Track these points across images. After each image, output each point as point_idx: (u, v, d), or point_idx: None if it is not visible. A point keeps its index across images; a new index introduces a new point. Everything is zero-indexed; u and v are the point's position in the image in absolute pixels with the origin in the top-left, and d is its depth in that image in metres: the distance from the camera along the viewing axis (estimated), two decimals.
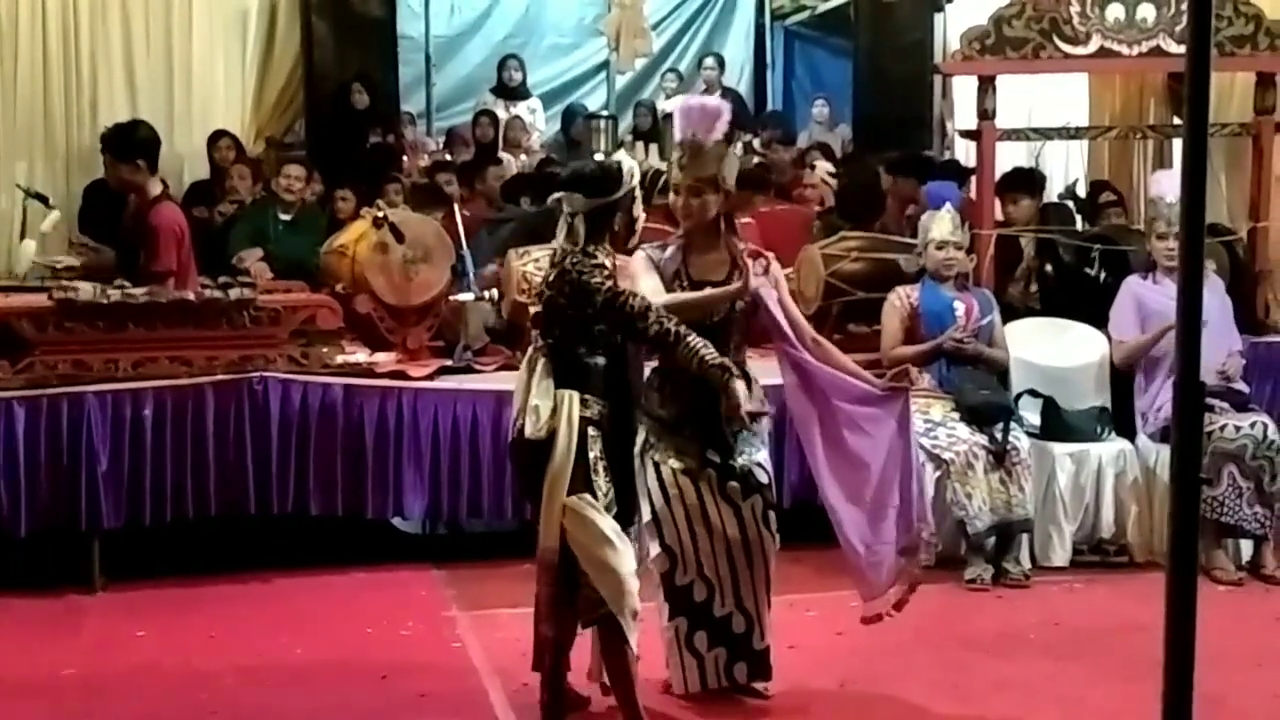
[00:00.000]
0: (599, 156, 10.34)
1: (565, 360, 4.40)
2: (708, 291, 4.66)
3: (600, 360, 4.43)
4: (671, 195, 4.81)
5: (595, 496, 4.35)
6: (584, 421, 4.36)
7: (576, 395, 4.37)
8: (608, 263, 4.44)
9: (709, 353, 4.40)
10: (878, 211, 7.81)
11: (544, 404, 4.36)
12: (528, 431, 4.36)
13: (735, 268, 4.77)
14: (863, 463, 4.83)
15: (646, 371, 4.79)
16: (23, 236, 8.07)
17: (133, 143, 6.47)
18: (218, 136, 9.15)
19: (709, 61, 13.04)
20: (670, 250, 4.79)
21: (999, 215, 7.60)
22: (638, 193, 4.56)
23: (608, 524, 4.34)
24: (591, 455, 4.36)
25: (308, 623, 5.75)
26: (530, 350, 4.54)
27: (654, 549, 4.71)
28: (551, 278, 4.49)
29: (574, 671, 4.68)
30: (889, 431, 4.85)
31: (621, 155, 4.75)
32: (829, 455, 4.84)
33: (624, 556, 4.35)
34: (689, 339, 4.40)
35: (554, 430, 4.33)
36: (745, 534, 4.73)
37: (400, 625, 5.70)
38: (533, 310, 4.93)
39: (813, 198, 9.09)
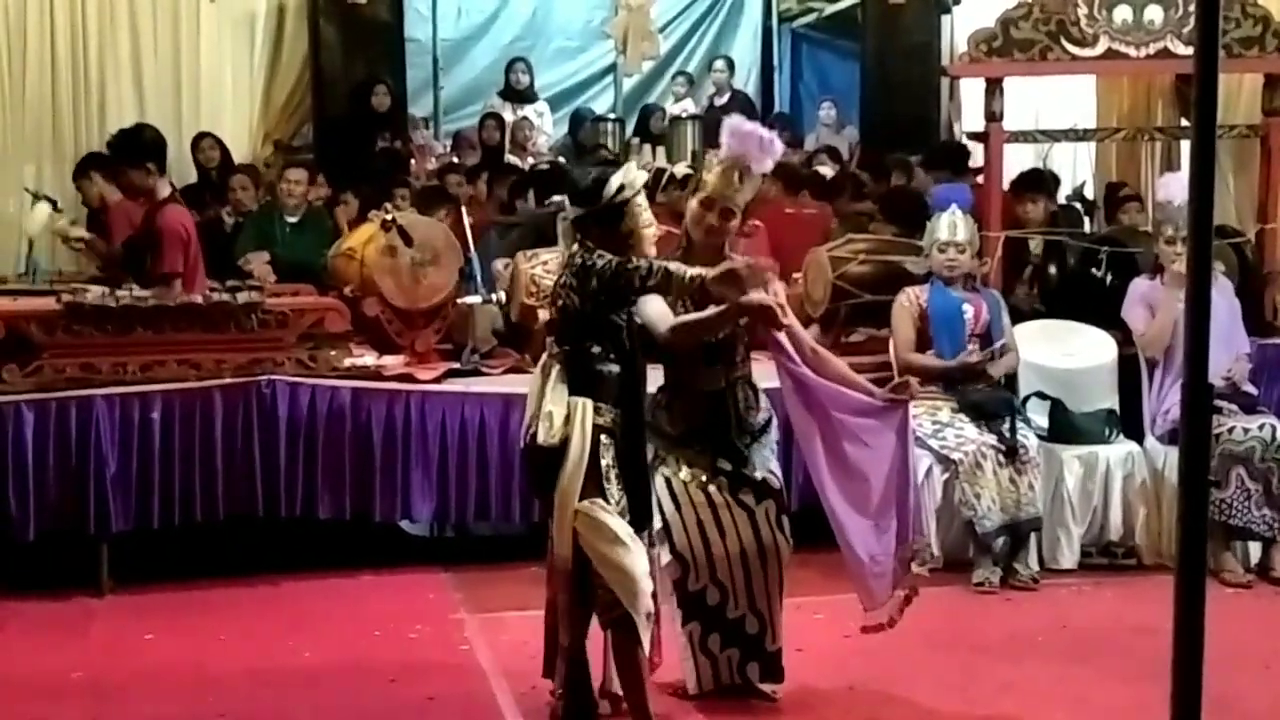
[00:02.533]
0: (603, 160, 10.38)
1: (579, 367, 4.40)
2: (712, 311, 4.58)
3: (614, 368, 4.43)
4: (695, 205, 4.74)
5: (607, 503, 4.36)
6: (597, 429, 4.36)
7: (590, 403, 4.37)
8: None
9: (695, 273, 4.33)
10: (924, 214, 7.74)
11: (557, 411, 4.36)
12: (540, 438, 4.36)
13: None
14: (863, 474, 4.84)
15: (652, 388, 4.78)
16: (30, 244, 8.10)
17: (142, 146, 6.48)
18: (200, 138, 9.16)
19: (719, 64, 13.06)
20: (673, 265, 4.77)
21: (1013, 216, 7.61)
22: (635, 205, 4.46)
23: (619, 525, 4.35)
24: (604, 463, 4.37)
25: (316, 625, 5.76)
26: (544, 357, 4.54)
27: (665, 556, 4.71)
28: (562, 279, 4.49)
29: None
30: (889, 443, 4.85)
31: (628, 167, 4.71)
32: (830, 467, 4.85)
33: (637, 557, 4.36)
34: (680, 272, 4.33)
35: (567, 437, 4.33)
36: (759, 538, 4.74)
37: (408, 628, 5.70)
38: (544, 315, 4.94)
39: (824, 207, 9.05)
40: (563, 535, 4.36)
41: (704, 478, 4.73)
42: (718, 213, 4.71)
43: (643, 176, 4.62)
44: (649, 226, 4.51)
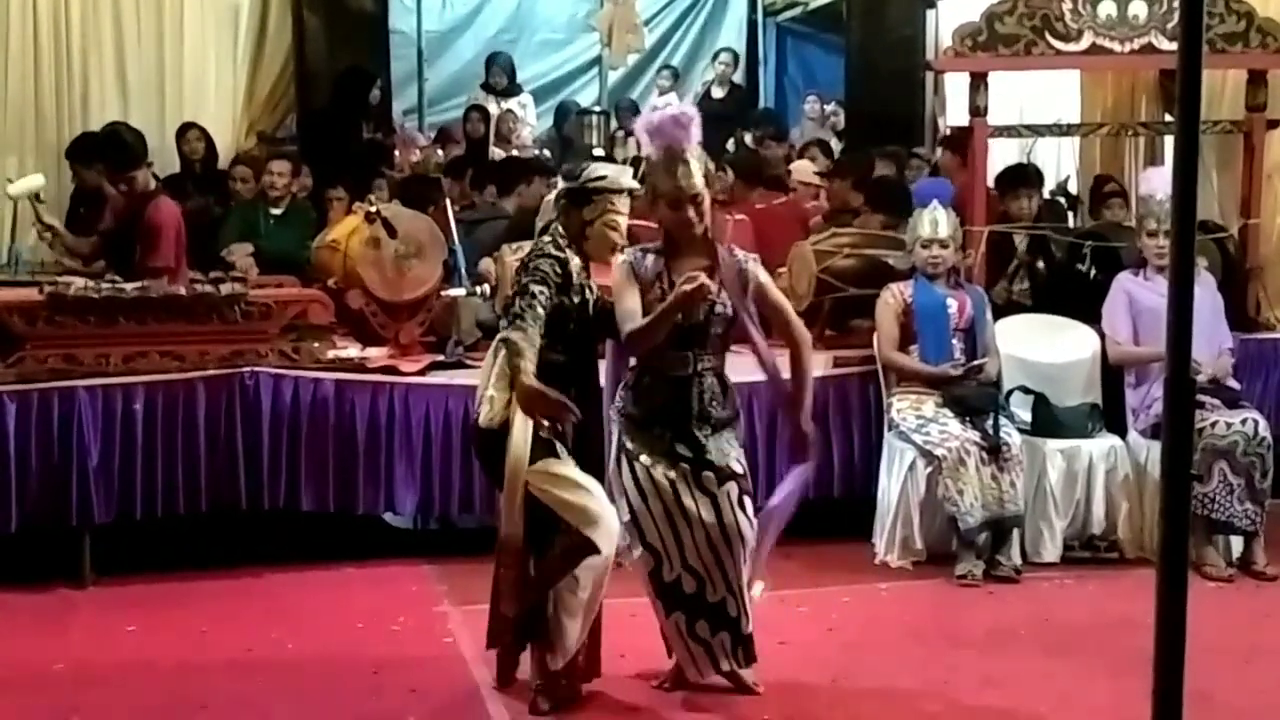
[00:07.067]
0: (598, 151, 10.41)
1: None
2: (660, 308, 4.56)
3: (558, 356, 4.51)
4: (666, 210, 4.72)
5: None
6: None
7: None
8: (568, 260, 4.53)
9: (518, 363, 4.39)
10: (909, 204, 7.73)
11: (499, 395, 4.47)
12: (481, 420, 4.50)
13: (715, 268, 4.73)
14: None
15: (627, 374, 4.82)
16: (13, 235, 8.06)
17: (132, 150, 6.55)
18: (185, 129, 9.13)
19: (724, 56, 13.13)
20: (651, 257, 4.76)
21: (1000, 212, 7.62)
22: (605, 200, 4.55)
23: (575, 472, 4.48)
24: (547, 438, 4.46)
25: (299, 618, 5.75)
26: (496, 339, 4.60)
27: (636, 549, 4.73)
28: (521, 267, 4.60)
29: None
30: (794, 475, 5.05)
31: (622, 167, 4.73)
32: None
33: (598, 498, 4.50)
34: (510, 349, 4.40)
35: (507, 420, 4.41)
36: (721, 520, 4.72)
37: (391, 620, 5.69)
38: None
39: (798, 199, 9.03)
40: (511, 514, 4.47)
41: (665, 464, 4.72)
42: (690, 204, 4.69)
43: (629, 183, 4.64)
44: (612, 229, 4.59)
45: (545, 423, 4.45)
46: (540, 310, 4.41)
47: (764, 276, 4.88)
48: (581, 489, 4.46)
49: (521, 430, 4.40)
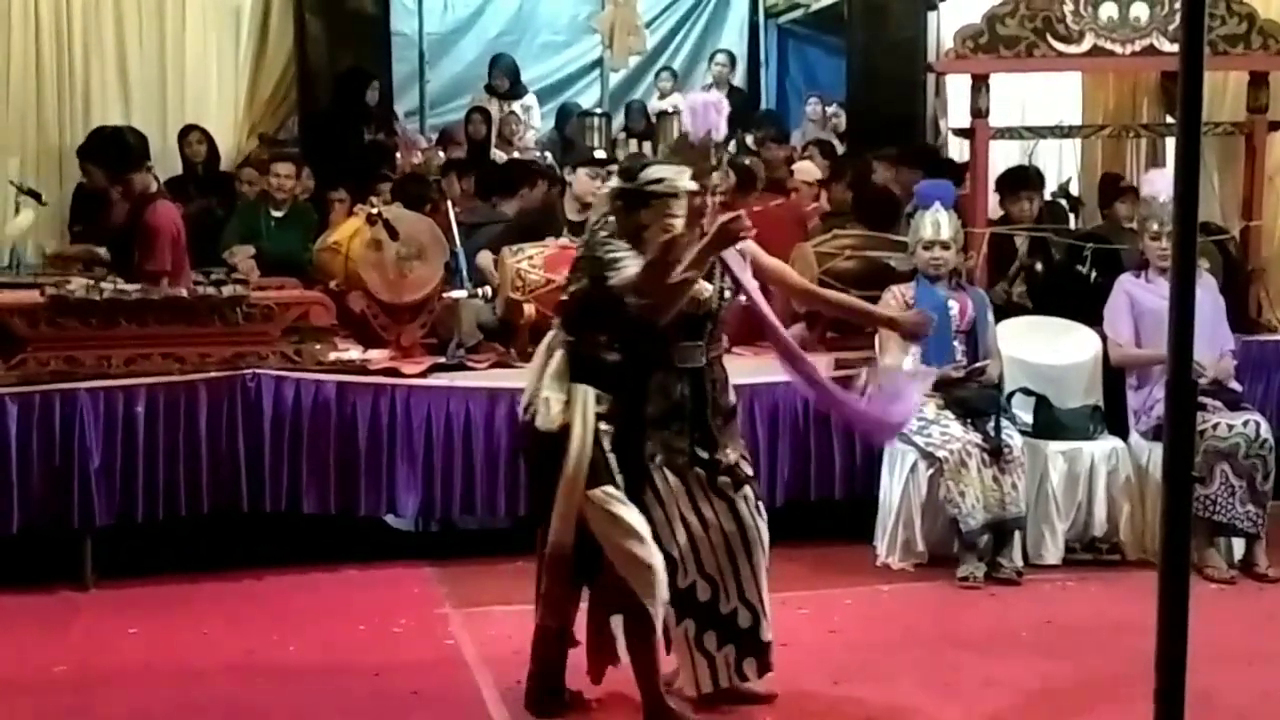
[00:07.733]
0: (599, 154, 10.38)
1: (582, 354, 4.42)
2: (699, 246, 4.40)
3: (616, 357, 4.44)
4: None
5: (616, 488, 4.39)
6: (596, 417, 4.38)
7: (592, 391, 4.38)
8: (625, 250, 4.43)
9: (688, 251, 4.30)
10: (896, 214, 7.73)
11: (555, 396, 4.37)
12: (539, 423, 4.38)
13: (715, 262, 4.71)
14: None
15: None
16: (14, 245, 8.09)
17: (132, 151, 6.56)
18: (187, 131, 9.14)
19: (720, 58, 13.10)
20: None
21: (1001, 214, 7.62)
22: (663, 203, 4.43)
23: (634, 518, 4.37)
24: (604, 449, 4.39)
25: (300, 620, 5.75)
26: (550, 335, 4.55)
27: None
28: (577, 263, 4.53)
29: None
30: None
31: (682, 169, 4.63)
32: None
33: (651, 550, 4.39)
34: (662, 255, 4.28)
35: (566, 424, 4.34)
36: (742, 525, 4.70)
37: (393, 623, 5.69)
38: (529, 310, 4.95)
39: (799, 201, 9.02)
40: (566, 523, 4.36)
41: (683, 464, 4.66)
42: (708, 194, 4.67)
43: (687, 184, 4.51)
44: (666, 234, 4.42)
45: (687, 269, 4.28)
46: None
47: (753, 245, 4.83)
48: (634, 536, 4.36)
49: (581, 436, 4.32)
